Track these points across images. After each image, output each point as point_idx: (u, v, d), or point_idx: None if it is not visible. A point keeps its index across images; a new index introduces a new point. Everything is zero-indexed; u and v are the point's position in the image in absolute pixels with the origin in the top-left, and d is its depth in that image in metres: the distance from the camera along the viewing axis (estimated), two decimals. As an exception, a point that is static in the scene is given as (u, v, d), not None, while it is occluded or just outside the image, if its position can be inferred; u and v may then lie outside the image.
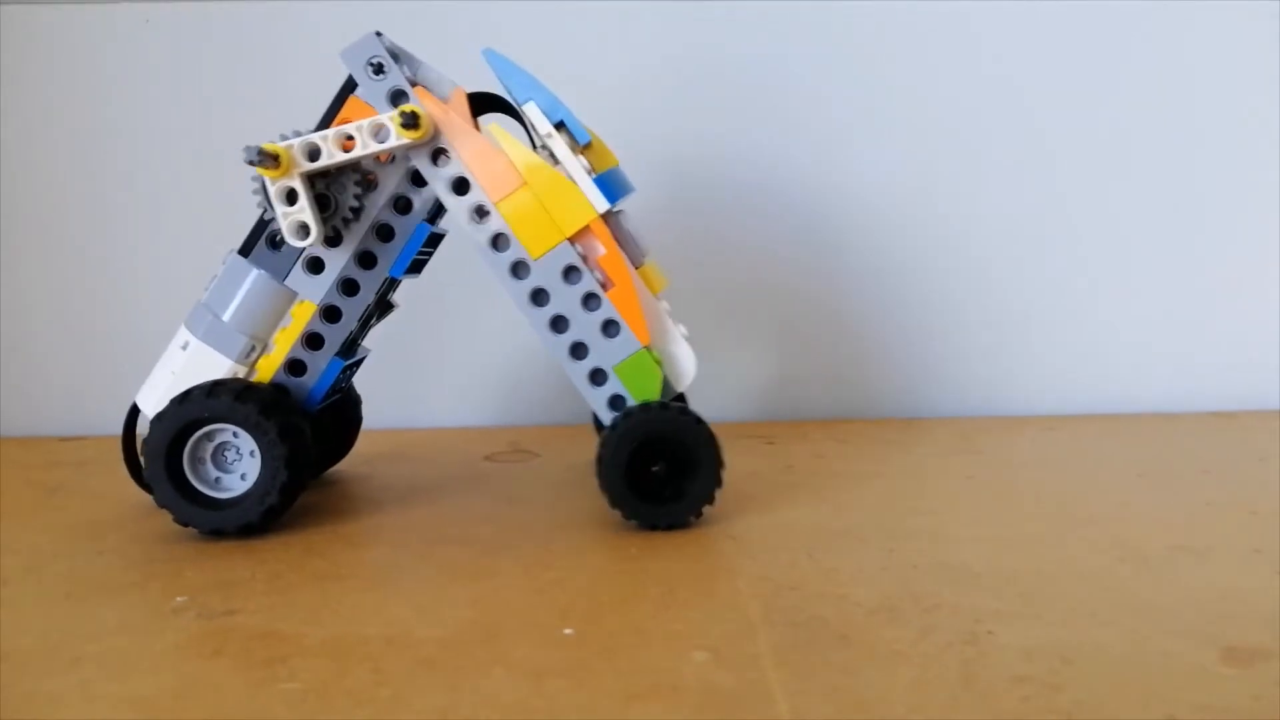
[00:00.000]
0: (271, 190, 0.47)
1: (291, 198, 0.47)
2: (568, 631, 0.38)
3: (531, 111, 0.50)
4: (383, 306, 0.57)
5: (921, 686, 0.33)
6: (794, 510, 0.54)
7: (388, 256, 0.51)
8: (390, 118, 0.46)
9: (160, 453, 0.48)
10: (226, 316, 0.50)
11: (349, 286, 0.51)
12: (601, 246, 0.50)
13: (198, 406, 0.48)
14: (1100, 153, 0.78)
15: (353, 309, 0.51)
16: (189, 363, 0.50)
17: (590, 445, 0.67)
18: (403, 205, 0.51)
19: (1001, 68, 0.77)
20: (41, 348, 0.78)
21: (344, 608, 0.41)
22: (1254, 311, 0.80)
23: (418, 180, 0.51)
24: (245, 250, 0.51)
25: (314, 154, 0.47)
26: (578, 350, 0.51)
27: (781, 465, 0.64)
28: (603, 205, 0.50)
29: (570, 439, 0.72)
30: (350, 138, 0.47)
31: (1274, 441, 0.68)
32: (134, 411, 0.54)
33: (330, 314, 0.51)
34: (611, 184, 0.51)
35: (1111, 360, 0.80)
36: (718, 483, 0.49)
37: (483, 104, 0.54)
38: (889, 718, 0.31)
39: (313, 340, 0.52)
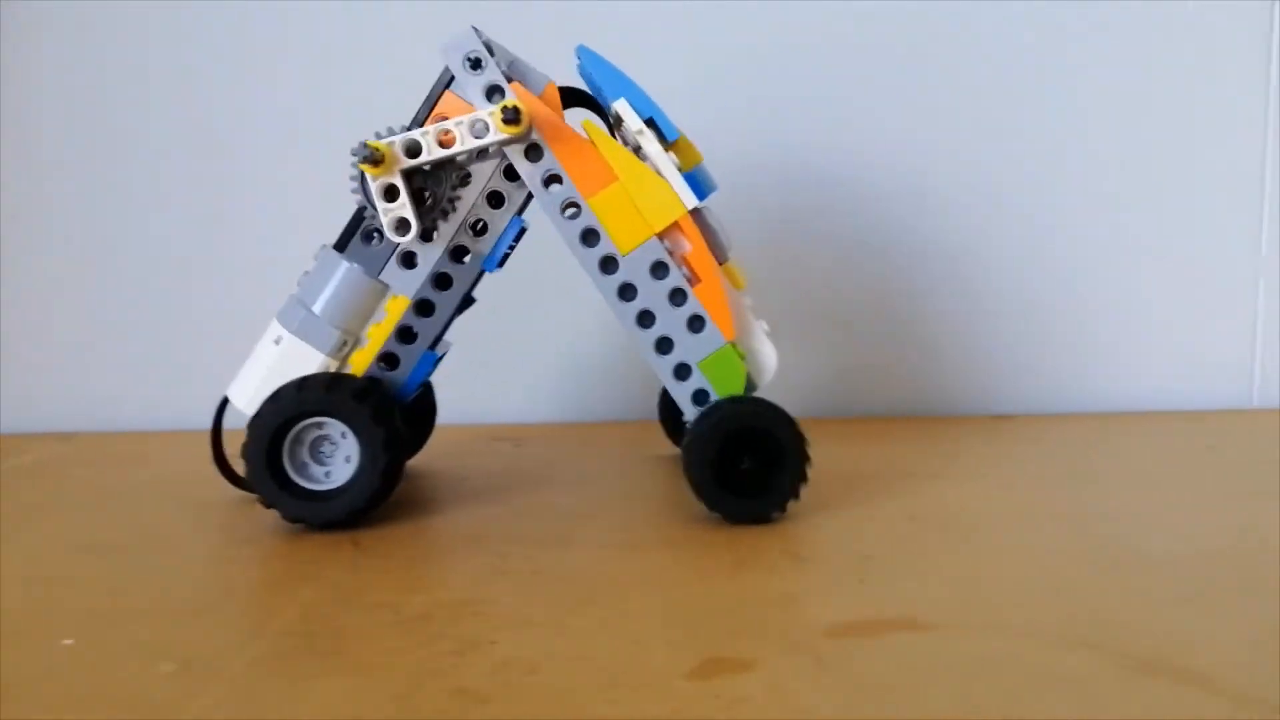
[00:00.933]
0: (372, 186, 0.47)
1: (391, 194, 0.48)
2: (67, 642, 0.37)
3: (622, 107, 0.51)
4: (463, 301, 0.57)
5: (356, 696, 0.33)
6: (444, 516, 0.53)
7: (481, 250, 0.51)
8: (490, 114, 0.46)
9: (261, 455, 0.49)
10: (319, 310, 0.51)
11: (442, 280, 0.52)
12: (688, 243, 0.51)
13: (291, 403, 0.49)
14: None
15: (446, 303, 0.52)
16: (282, 357, 0.51)
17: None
18: (496, 200, 0.51)
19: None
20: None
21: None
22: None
23: (511, 175, 0.51)
24: (340, 245, 0.51)
25: (414, 150, 0.47)
26: (663, 345, 0.51)
27: (504, 468, 0.64)
28: (692, 201, 0.50)
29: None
30: (449, 133, 0.47)
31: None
32: (223, 405, 0.54)
33: (423, 308, 0.52)
34: (699, 181, 0.51)
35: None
36: (803, 478, 0.50)
37: (569, 98, 0.55)
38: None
39: (405, 334, 0.52)
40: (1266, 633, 0.37)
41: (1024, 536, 0.48)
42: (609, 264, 0.50)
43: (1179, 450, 0.66)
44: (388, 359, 0.52)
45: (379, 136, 0.48)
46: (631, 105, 0.51)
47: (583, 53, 0.52)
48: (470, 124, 0.47)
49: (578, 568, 0.45)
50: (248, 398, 0.51)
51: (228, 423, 0.55)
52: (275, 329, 0.52)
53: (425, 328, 0.52)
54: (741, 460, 0.49)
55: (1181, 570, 0.43)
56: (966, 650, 0.36)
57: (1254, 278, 0.79)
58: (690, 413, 0.51)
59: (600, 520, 0.52)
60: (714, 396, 0.51)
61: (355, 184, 0.48)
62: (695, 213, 0.51)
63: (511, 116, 0.46)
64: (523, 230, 0.54)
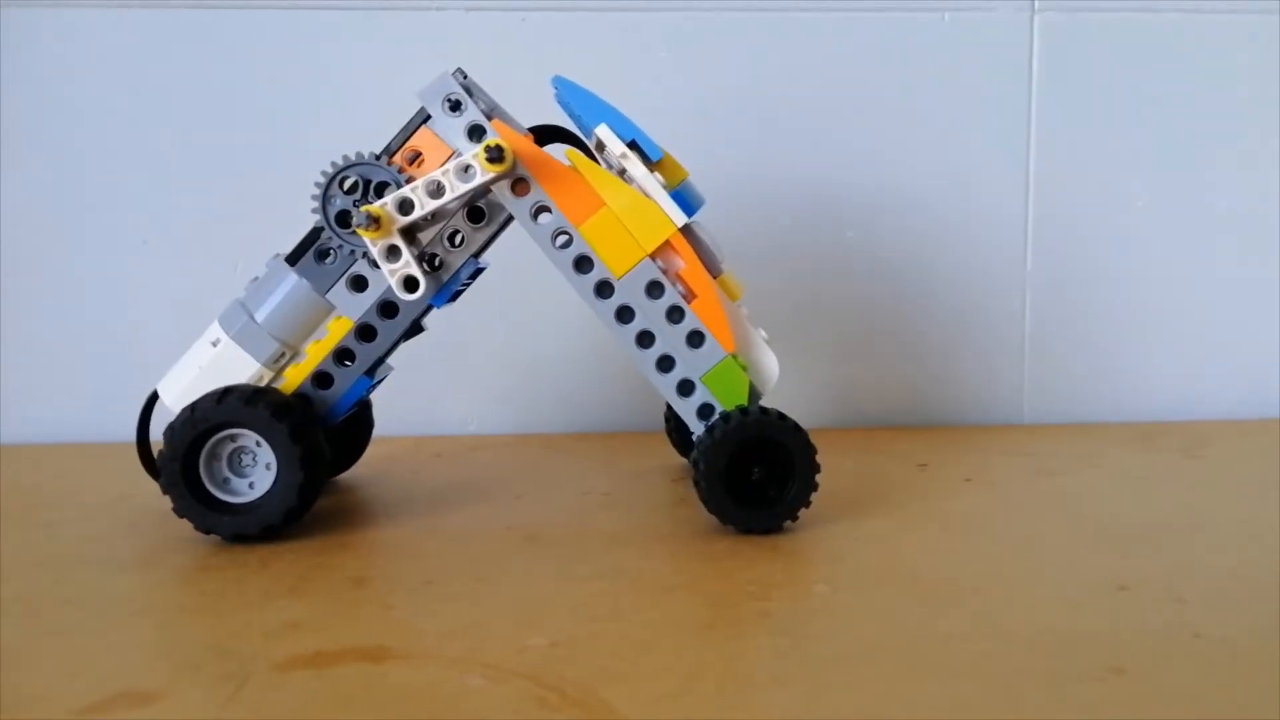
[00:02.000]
0: (374, 251, 0.48)
1: (394, 254, 0.48)
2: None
3: (604, 132, 0.51)
4: (412, 329, 0.57)
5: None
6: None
7: (433, 285, 0.52)
8: (475, 155, 0.47)
9: (176, 464, 0.49)
10: (261, 319, 0.51)
11: (388, 309, 0.52)
12: (681, 260, 0.51)
13: (208, 413, 0.49)
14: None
15: (389, 331, 0.52)
16: (217, 360, 0.51)
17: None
18: (455, 239, 0.52)
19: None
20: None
21: None
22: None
23: (474, 217, 0.52)
24: (293, 259, 0.51)
25: (406, 208, 0.48)
26: (664, 363, 0.52)
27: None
28: (681, 219, 0.51)
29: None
30: (437, 183, 0.48)
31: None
32: (152, 398, 0.54)
33: (365, 333, 0.52)
34: (686, 197, 0.51)
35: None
36: (813, 487, 0.51)
37: (546, 136, 0.55)
38: None
39: (343, 356, 0.52)
40: (691, 669, 0.36)
41: (603, 562, 0.47)
42: (604, 288, 0.51)
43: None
44: (321, 378, 0.52)
45: (328, 175, 0.48)
46: (612, 129, 0.51)
47: (559, 83, 0.53)
48: (456, 170, 0.48)
49: (115, 590, 0.44)
50: (176, 395, 0.51)
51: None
52: (214, 330, 0.52)
53: (364, 352, 0.52)
54: (751, 471, 0.50)
55: (632, 624, 0.41)
56: (395, 682, 0.35)
57: (1021, 292, 0.79)
58: (696, 427, 0.52)
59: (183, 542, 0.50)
60: (719, 409, 0.52)
61: (316, 204, 0.49)
62: (685, 229, 0.51)
63: (495, 155, 0.46)
64: (479, 271, 0.54)
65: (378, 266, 0.50)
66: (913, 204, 0.78)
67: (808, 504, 0.51)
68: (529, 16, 0.75)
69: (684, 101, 0.75)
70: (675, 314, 0.51)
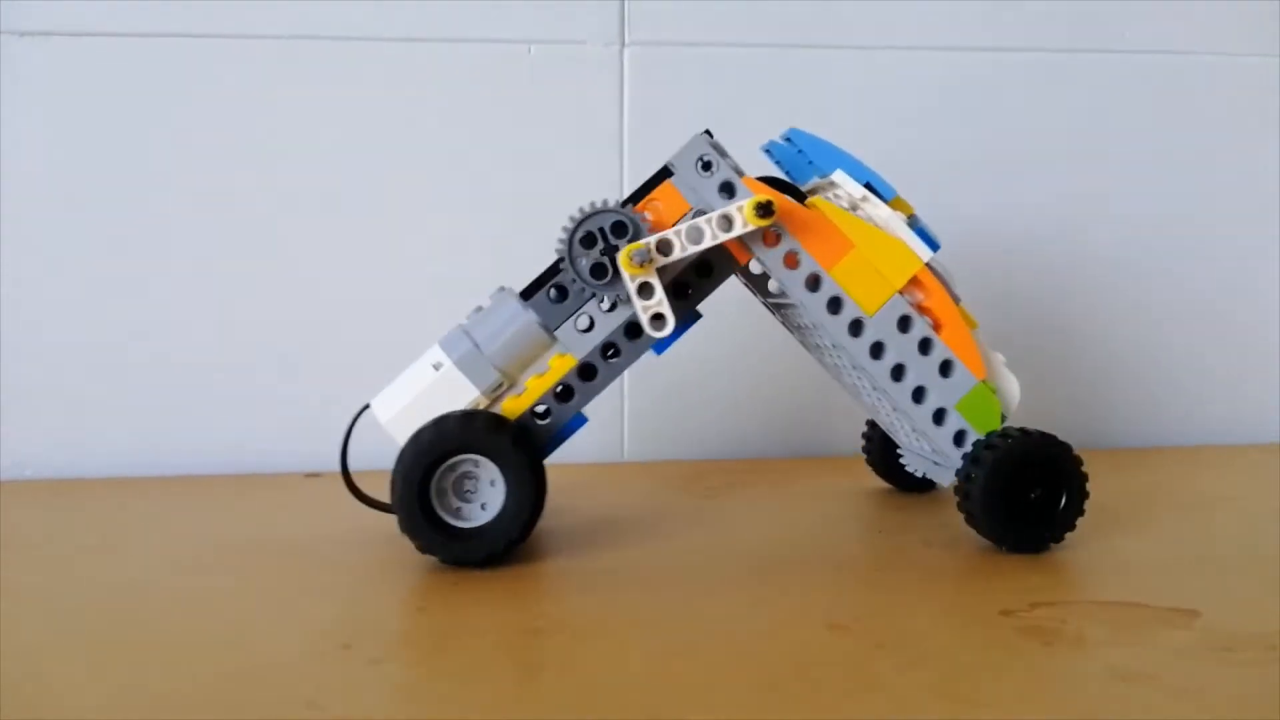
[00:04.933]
0: (630, 286, 0.50)
1: (646, 291, 0.50)
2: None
3: (840, 178, 0.53)
4: None
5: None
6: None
7: (653, 335, 0.52)
8: (740, 208, 0.49)
9: (414, 481, 0.49)
10: (485, 347, 0.52)
11: (611, 350, 0.53)
12: (924, 293, 0.53)
13: (454, 436, 0.49)
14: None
15: (608, 373, 0.53)
16: (437, 384, 0.52)
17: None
18: (680, 291, 0.53)
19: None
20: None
21: None
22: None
23: (702, 271, 0.53)
24: (527, 293, 0.53)
25: (666, 249, 0.50)
26: (918, 394, 0.53)
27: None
28: (926, 254, 0.52)
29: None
30: (699, 231, 0.50)
31: None
32: (359, 413, 0.54)
33: (586, 372, 0.53)
34: (927, 233, 0.53)
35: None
36: (1082, 509, 0.51)
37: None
38: None
39: (564, 393, 0.53)
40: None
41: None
42: (856, 327, 0.52)
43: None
44: (542, 412, 0.54)
45: (575, 219, 0.50)
46: (848, 174, 0.53)
47: (794, 134, 0.55)
48: (719, 220, 0.50)
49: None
50: (393, 414, 0.52)
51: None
52: (436, 354, 0.53)
53: (583, 391, 0.53)
54: (1028, 491, 0.51)
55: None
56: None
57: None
58: (953, 454, 0.53)
59: None
60: (973, 435, 0.53)
61: (562, 245, 0.50)
62: (927, 262, 0.53)
63: (765, 211, 0.48)
64: (697, 318, 0.55)
65: (612, 309, 0.52)
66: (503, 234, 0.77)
67: (1073, 526, 0.52)
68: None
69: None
70: (925, 345, 0.52)
